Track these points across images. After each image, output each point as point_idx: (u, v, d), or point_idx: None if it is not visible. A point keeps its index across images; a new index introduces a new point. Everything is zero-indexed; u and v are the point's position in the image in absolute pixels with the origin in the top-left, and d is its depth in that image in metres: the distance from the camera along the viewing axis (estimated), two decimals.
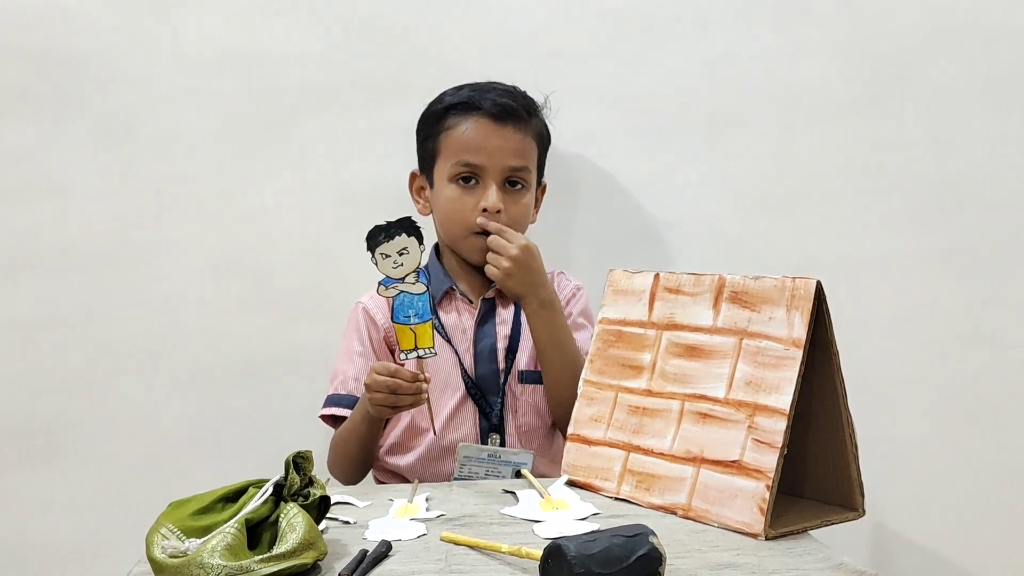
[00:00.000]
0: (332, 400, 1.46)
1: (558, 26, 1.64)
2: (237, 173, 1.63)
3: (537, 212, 1.56)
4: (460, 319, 1.48)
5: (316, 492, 0.99)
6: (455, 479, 1.38)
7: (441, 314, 1.48)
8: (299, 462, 1.00)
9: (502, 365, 1.46)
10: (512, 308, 1.50)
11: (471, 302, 1.50)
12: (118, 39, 1.60)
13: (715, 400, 1.12)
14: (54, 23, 1.59)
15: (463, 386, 1.45)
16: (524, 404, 1.47)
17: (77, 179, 1.61)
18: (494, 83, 1.50)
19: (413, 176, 1.55)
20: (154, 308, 1.62)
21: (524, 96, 1.50)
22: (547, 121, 1.53)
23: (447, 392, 1.45)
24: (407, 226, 1.20)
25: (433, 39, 1.63)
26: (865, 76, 1.66)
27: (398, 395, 1.26)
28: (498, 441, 1.44)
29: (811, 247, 1.66)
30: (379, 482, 1.49)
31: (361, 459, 1.44)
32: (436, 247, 1.55)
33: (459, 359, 1.45)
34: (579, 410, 1.27)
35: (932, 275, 1.67)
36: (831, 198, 1.67)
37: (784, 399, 1.05)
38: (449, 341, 1.46)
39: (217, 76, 1.61)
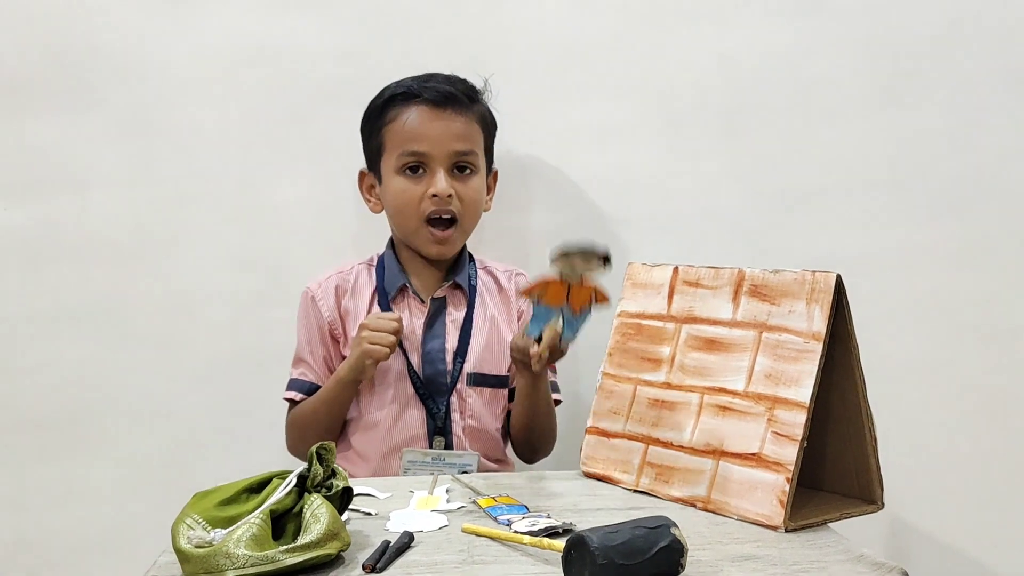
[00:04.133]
0: (293, 385, 1.49)
1: (576, 19, 1.64)
2: (256, 167, 1.63)
3: (491, 199, 1.55)
4: (411, 318, 1.46)
5: (339, 483, 1.00)
6: None
7: (394, 310, 1.46)
8: (322, 454, 1.00)
9: (450, 367, 1.45)
10: (464, 309, 1.48)
11: (423, 301, 1.48)
12: (138, 34, 1.61)
13: (734, 393, 1.12)
14: (73, 18, 1.60)
15: (411, 386, 1.44)
16: (472, 406, 1.46)
17: (97, 173, 1.62)
18: (433, 73, 1.49)
19: (362, 175, 1.54)
20: (173, 301, 1.63)
21: (464, 82, 1.49)
22: (490, 106, 1.52)
23: (395, 390, 1.43)
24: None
25: (450, 33, 1.63)
26: (884, 70, 1.66)
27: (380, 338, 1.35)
28: (443, 444, 1.43)
29: (829, 241, 1.65)
30: None
31: (327, 427, 1.44)
32: (391, 242, 1.53)
33: (407, 358, 1.44)
34: (598, 403, 1.27)
35: (951, 269, 1.67)
36: (850, 192, 1.66)
37: (804, 392, 1.05)
38: (400, 340, 1.43)
39: (236, 71, 1.62)
